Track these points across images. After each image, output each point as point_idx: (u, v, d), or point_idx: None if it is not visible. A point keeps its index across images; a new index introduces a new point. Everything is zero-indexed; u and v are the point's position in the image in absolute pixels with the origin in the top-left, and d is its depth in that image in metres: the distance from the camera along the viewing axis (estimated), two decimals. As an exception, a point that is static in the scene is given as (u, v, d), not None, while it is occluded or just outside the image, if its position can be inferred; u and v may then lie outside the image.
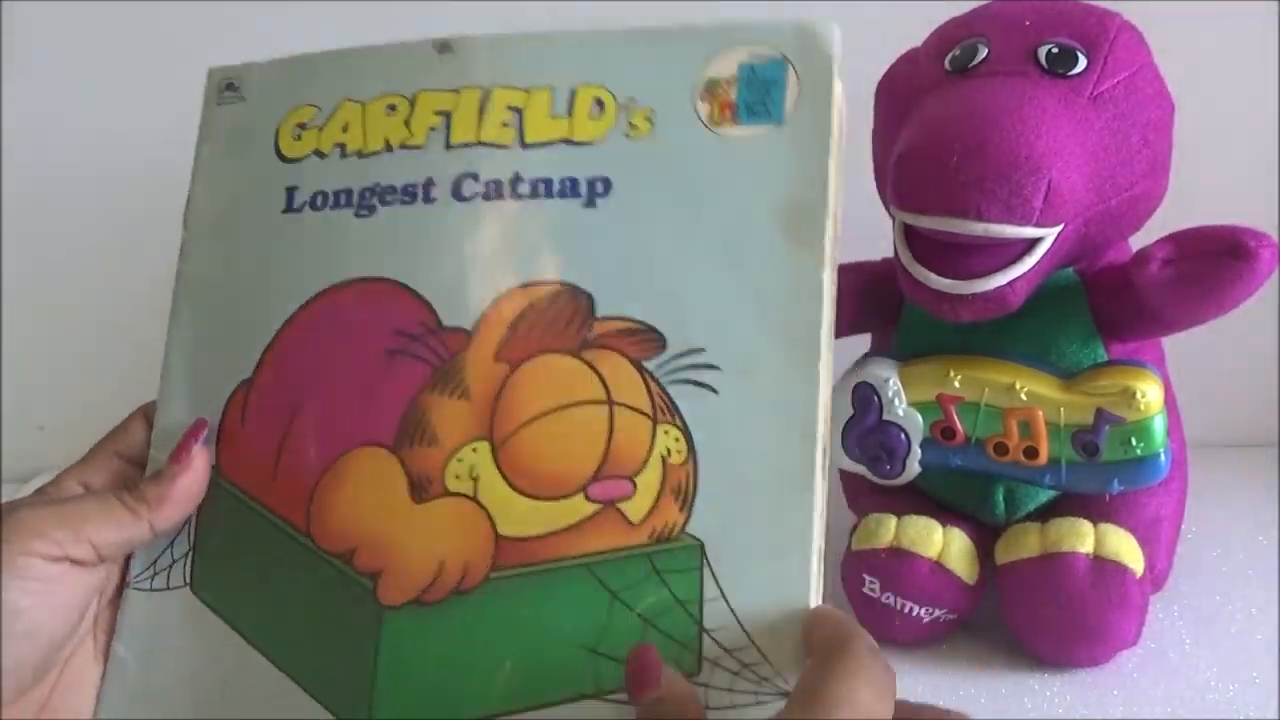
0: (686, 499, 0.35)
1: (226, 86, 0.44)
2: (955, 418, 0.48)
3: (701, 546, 0.35)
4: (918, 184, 0.44)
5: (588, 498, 0.36)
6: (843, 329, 0.54)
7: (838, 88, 0.37)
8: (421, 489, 0.37)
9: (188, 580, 0.39)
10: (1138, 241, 0.47)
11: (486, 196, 0.39)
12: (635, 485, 0.36)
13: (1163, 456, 0.45)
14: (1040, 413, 0.46)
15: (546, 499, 0.36)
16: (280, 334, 0.40)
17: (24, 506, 0.35)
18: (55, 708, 0.36)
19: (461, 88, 0.40)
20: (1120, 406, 0.45)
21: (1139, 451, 0.45)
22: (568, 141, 0.39)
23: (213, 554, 0.39)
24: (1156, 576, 0.49)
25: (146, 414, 0.41)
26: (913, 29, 0.50)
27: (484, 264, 0.39)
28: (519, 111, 0.40)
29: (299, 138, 0.42)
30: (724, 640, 0.34)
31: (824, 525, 0.35)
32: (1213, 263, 0.43)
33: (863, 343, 0.54)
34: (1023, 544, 0.47)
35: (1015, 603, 0.47)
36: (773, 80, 0.37)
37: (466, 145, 0.40)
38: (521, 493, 0.36)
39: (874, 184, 0.51)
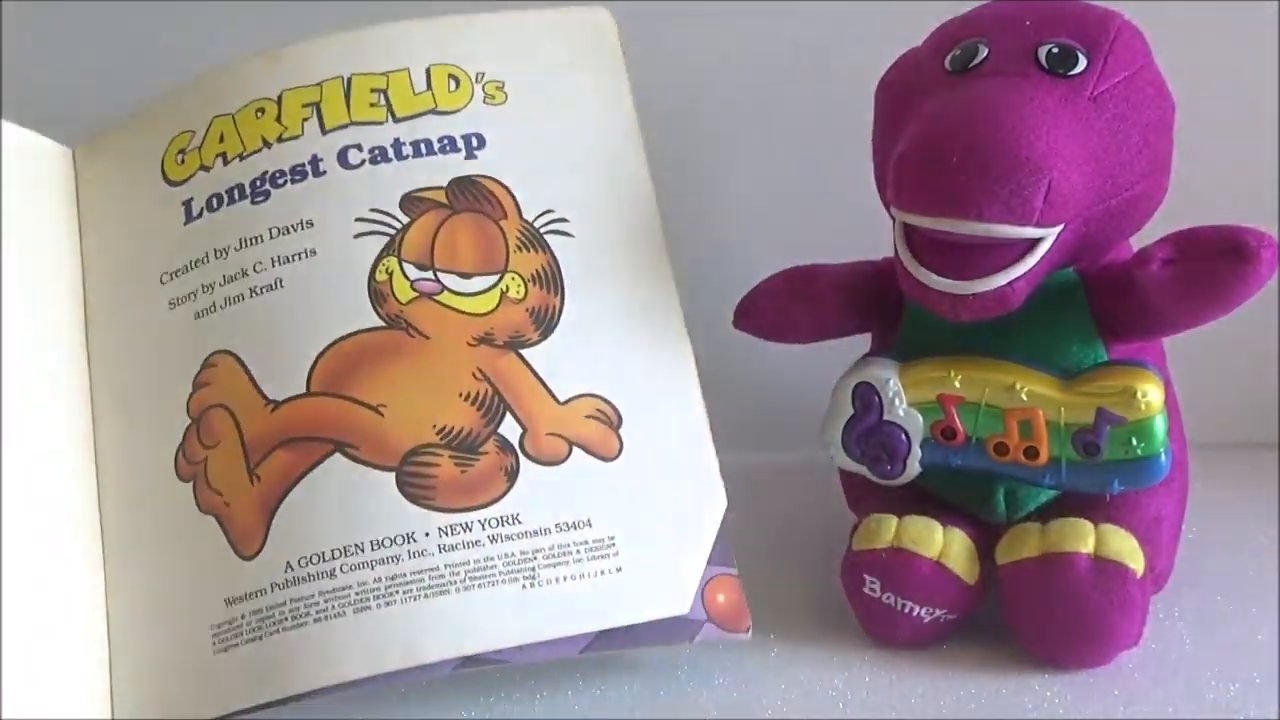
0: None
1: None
2: (956, 418, 0.48)
3: None
4: (918, 184, 0.44)
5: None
6: (843, 329, 0.55)
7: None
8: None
9: None
10: (1138, 241, 0.47)
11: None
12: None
13: (1163, 456, 0.45)
14: (1040, 413, 0.46)
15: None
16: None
17: None
18: None
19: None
20: (1120, 406, 0.45)
21: (1139, 451, 0.45)
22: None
23: None
24: (1157, 576, 0.49)
25: None
26: (913, 29, 0.50)
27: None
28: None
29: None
30: None
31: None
32: (1214, 263, 0.43)
33: (863, 343, 0.54)
34: (1023, 544, 0.47)
35: (1015, 603, 0.47)
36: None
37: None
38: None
39: (874, 184, 0.51)
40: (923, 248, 0.45)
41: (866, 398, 0.49)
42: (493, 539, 0.42)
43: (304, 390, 0.43)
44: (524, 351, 0.44)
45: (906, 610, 0.47)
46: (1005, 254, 0.44)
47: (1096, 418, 0.45)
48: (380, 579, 0.41)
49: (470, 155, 0.45)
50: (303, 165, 0.44)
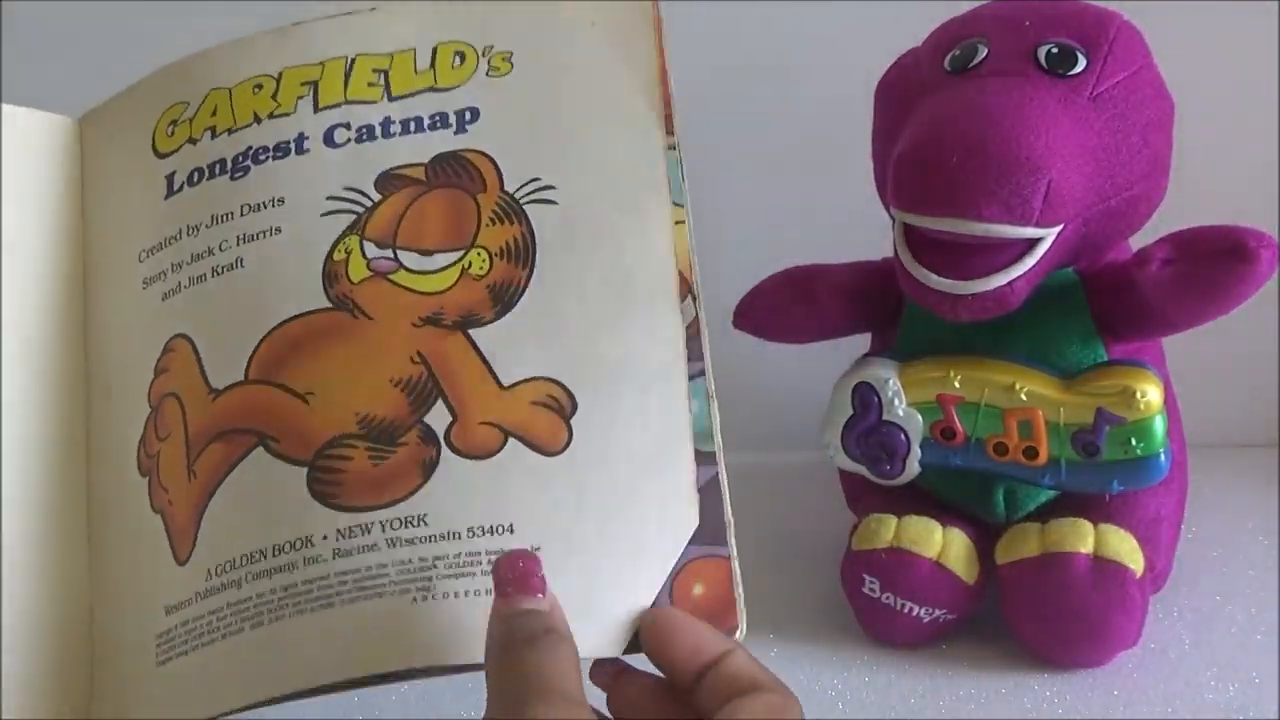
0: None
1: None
2: (955, 418, 0.48)
3: None
4: (918, 184, 0.44)
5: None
6: (843, 329, 0.55)
7: None
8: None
9: None
10: (1138, 241, 0.47)
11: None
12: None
13: (1163, 456, 0.45)
14: (1040, 413, 0.46)
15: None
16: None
17: None
18: None
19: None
20: (1120, 406, 0.45)
21: (1139, 451, 0.45)
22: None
23: None
24: (1156, 576, 0.49)
25: None
26: (913, 29, 0.50)
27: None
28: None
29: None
30: None
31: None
32: (1213, 263, 0.43)
33: (863, 343, 0.54)
34: (1023, 544, 0.47)
35: (1015, 603, 0.47)
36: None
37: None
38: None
39: (874, 184, 0.51)
40: (922, 248, 0.45)
41: (866, 398, 0.49)
42: (390, 543, 0.36)
43: (242, 378, 0.39)
44: (473, 331, 0.39)
45: (906, 610, 0.47)
46: (1004, 254, 0.44)
47: (1096, 418, 0.45)
48: (275, 590, 0.36)
49: (461, 129, 0.42)
50: (287, 142, 0.42)
